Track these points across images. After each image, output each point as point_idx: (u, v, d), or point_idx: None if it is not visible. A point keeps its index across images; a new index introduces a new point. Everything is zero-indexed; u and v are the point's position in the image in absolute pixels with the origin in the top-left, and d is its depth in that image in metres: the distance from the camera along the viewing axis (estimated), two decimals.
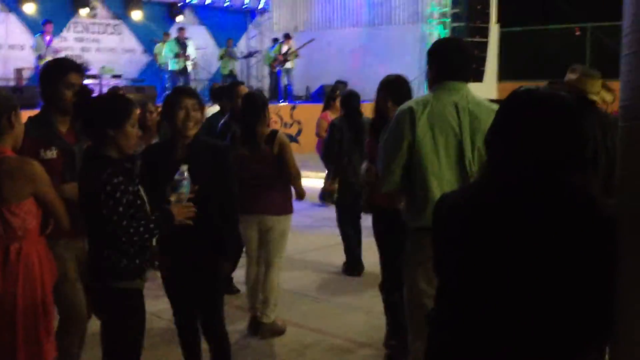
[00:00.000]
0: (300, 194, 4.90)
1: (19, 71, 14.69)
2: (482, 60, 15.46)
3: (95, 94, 3.74)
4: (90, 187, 2.93)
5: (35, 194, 2.94)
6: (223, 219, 3.62)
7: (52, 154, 3.41)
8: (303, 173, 5.04)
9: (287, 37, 17.23)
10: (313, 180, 8.81)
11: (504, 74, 17.82)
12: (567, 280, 1.67)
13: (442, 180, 3.14)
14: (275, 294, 4.77)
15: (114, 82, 14.47)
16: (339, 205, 6.26)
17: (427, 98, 3.26)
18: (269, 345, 4.67)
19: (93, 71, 14.94)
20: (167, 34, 16.56)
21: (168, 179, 3.21)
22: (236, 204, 3.74)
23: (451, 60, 3.28)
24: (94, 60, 16.23)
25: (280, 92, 17.06)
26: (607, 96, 4.06)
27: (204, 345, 3.75)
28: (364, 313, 4.66)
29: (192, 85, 15.61)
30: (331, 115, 8.28)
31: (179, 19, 17.75)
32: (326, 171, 6.57)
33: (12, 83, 14.43)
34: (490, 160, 1.84)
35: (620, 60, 1.60)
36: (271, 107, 5.76)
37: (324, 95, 9.56)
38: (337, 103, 8.88)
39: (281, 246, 4.79)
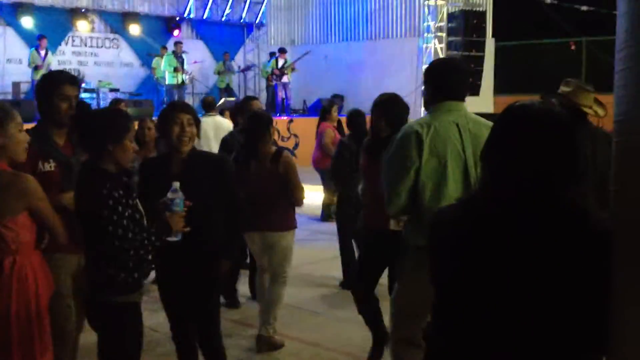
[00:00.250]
0: (298, 204, 4.93)
1: (16, 85, 14.72)
2: (478, 74, 15.53)
3: (93, 108, 3.76)
4: (90, 202, 2.93)
5: (30, 208, 2.93)
6: (229, 228, 3.66)
7: (50, 166, 3.42)
8: None
9: (282, 51, 17.30)
10: (310, 194, 8.81)
11: (500, 88, 17.92)
12: (563, 293, 1.68)
13: (449, 199, 3.16)
14: (277, 308, 4.80)
15: (112, 95, 14.48)
16: (340, 220, 6.27)
17: (429, 119, 3.29)
18: None
19: (90, 85, 15.00)
20: (164, 48, 16.61)
21: (163, 193, 3.23)
22: (240, 208, 3.78)
23: (448, 81, 3.32)
24: (92, 74, 16.31)
25: (277, 105, 17.10)
26: (600, 110, 4.11)
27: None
28: (362, 327, 4.65)
29: (189, 99, 15.64)
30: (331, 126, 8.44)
31: (176, 33, 17.81)
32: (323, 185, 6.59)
33: (9, 97, 14.44)
34: (485, 174, 1.85)
35: (614, 76, 1.61)
36: None
37: (320, 108, 9.57)
38: (333, 113, 8.99)
39: (286, 261, 4.81)
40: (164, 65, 15.92)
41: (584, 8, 17.61)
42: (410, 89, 14.73)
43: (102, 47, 17.24)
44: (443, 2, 16.81)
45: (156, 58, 16.58)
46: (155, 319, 4.63)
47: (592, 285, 1.67)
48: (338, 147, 6.27)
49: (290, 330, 5.08)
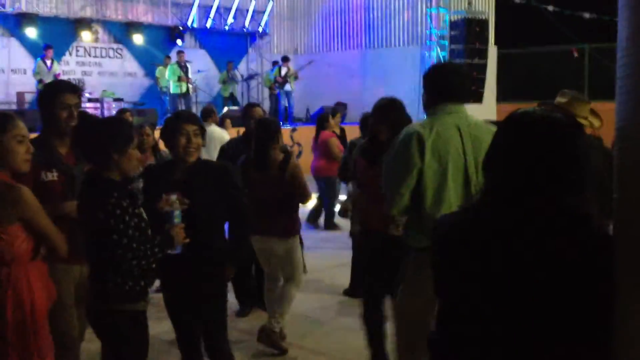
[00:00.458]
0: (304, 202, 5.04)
1: (21, 95, 14.78)
2: (481, 81, 15.55)
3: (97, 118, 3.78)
4: (97, 211, 2.93)
5: (23, 219, 2.88)
6: (235, 235, 3.69)
7: (52, 176, 3.42)
8: None
9: (285, 59, 17.35)
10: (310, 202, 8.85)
11: (502, 95, 17.93)
12: (567, 299, 1.68)
13: (449, 201, 3.19)
14: (287, 306, 4.89)
15: (116, 105, 14.54)
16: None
17: (431, 121, 3.30)
18: None
19: (94, 95, 15.06)
20: (168, 58, 16.67)
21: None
22: (247, 214, 3.79)
23: (449, 83, 3.34)
24: (96, 84, 16.40)
25: (280, 114, 17.13)
26: (595, 121, 4.14)
27: None
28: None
29: (193, 108, 15.69)
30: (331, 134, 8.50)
31: (180, 42, 17.87)
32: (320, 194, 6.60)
33: (14, 107, 14.51)
34: (488, 181, 1.86)
35: (616, 82, 1.62)
36: None
37: (317, 117, 9.60)
38: (332, 121, 9.06)
39: (295, 262, 4.93)
40: (168, 75, 15.98)
41: (587, 15, 17.63)
42: (413, 96, 14.73)
43: (105, 57, 17.31)
44: (445, 10, 16.86)
45: (160, 67, 16.64)
46: (159, 327, 4.62)
47: (595, 292, 1.67)
48: (349, 148, 6.28)
49: (293, 338, 5.07)
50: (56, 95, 3.51)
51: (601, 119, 4.16)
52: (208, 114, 8.79)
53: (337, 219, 8.54)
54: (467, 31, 15.39)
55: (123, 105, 14.80)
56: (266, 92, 18.62)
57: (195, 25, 18.56)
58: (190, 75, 15.91)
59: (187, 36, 18.55)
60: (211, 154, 6.99)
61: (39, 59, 14.43)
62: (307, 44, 21.02)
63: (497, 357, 1.76)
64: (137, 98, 16.94)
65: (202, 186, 3.52)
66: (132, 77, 17.72)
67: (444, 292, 1.95)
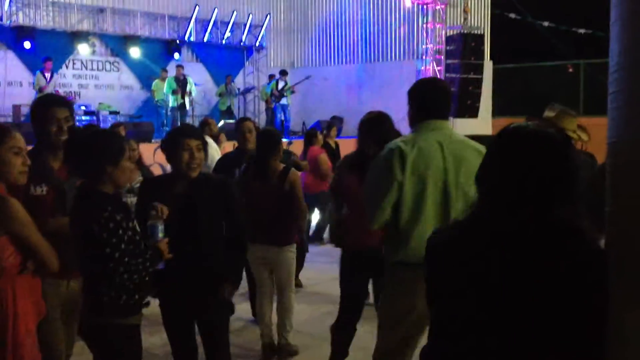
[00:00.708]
0: (301, 231, 5.09)
1: (17, 108, 14.76)
2: (477, 96, 15.61)
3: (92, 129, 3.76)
4: (89, 224, 2.92)
5: (9, 233, 2.83)
6: (234, 251, 3.68)
7: (42, 190, 3.39)
8: None
9: (283, 73, 17.41)
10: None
11: (498, 110, 17.99)
12: (560, 312, 1.69)
13: (426, 219, 3.22)
14: (290, 316, 5.05)
15: (112, 117, 14.56)
16: None
17: (414, 137, 3.33)
18: None
19: (91, 108, 15.06)
20: (165, 71, 16.70)
21: (169, 211, 3.25)
22: (246, 232, 3.81)
23: (432, 100, 3.36)
24: (92, 96, 16.42)
25: (276, 127, 17.14)
26: (583, 135, 4.17)
27: None
28: (360, 349, 4.62)
29: (189, 121, 15.70)
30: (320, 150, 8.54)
31: (177, 56, 17.91)
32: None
33: (9, 119, 14.49)
34: (481, 196, 1.87)
35: (608, 98, 1.63)
36: None
37: (306, 134, 9.63)
38: (320, 137, 9.15)
39: (290, 272, 5.04)
40: (165, 89, 16.00)
41: (582, 31, 17.74)
42: None
43: (102, 70, 17.33)
44: (441, 25, 16.95)
45: (156, 81, 16.67)
46: (151, 340, 4.60)
47: (587, 303, 1.67)
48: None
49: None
50: (46, 108, 3.51)
51: (589, 134, 4.21)
52: (203, 126, 8.82)
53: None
54: (463, 46, 15.47)
55: (119, 118, 14.84)
56: (263, 105, 18.65)
57: (192, 39, 18.61)
58: (188, 89, 15.87)
59: (184, 50, 18.60)
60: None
61: (38, 71, 14.43)
62: (303, 58, 21.10)
63: None
64: (133, 111, 16.97)
65: (204, 200, 3.52)
66: (129, 90, 17.73)
67: (436, 305, 1.95)
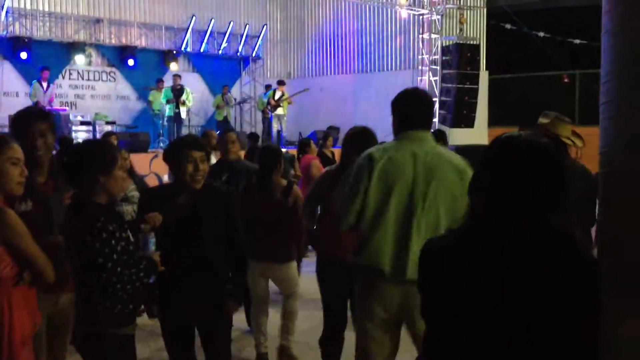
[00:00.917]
0: (300, 255, 5.15)
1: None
2: (473, 106, 15.64)
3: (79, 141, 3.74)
4: (82, 235, 2.91)
5: (6, 244, 2.82)
6: (234, 264, 3.66)
7: (26, 206, 3.31)
8: None
9: (280, 83, 17.44)
10: None
11: (494, 120, 18.03)
12: (554, 320, 1.69)
13: (386, 226, 3.25)
14: (294, 320, 5.10)
15: (108, 128, 14.56)
16: None
17: (390, 146, 3.38)
18: None
19: (87, 118, 15.06)
20: (161, 81, 16.72)
21: (170, 225, 3.26)
22: (245, 249, 3.78)
23: (412, 110, 3.38)
24: (89, 106, 16.44)
25: (272, 137, 17.17)
26: (578, 141, 4.19)
27: None
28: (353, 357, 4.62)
29: (185, 131, 15.70)
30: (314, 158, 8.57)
31: (173, 66, 17.93)
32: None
33: (6, 130, 14.48)
34: (474, 206, 1.87)
35: (599, 108, 1.64)
36: None
37: (299, 143, 9.65)
38: (313, 146, 9.19)
39: (293, 281, 5.10)
40: (162, 99, 16.00)
41: (577, 41, 17.83)
42: None
43: (99, 80, 17.34)
44: (437, 36, 17.01)
45: (153, 91, 16.68)
46: (147, 352, 4.58)
47: (580, 311, 1.68)
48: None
49: None
50: (26, 122, 3.45)
51: (583, 139, 4.23)
52: (203, 137, 8.81)
53: None
54: (459, 56, 15.51)
55: (115, 128, 14.85)
56: (259, 115, 18.68)
57: (189, 49, 18.65)
58: (183, 98, 15.85)
59: (180, 60, 18.61)
60: None
61: (35, 81, 14.44)
62: (300, 68, 21.15)
63: None
64: (129, 121, 16.97)
65: (207, 211, 3.52)
66: (125, 101, 17.74)
67: (430, 314, 1.95)
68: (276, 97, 17.10)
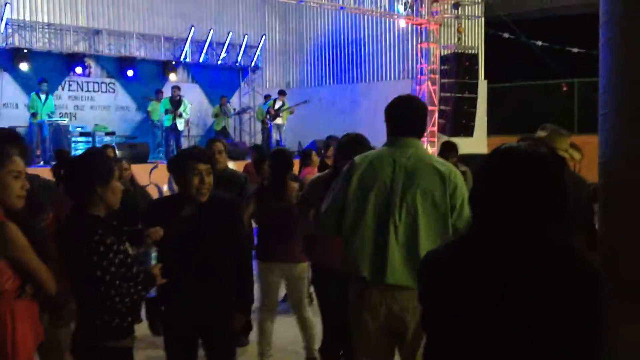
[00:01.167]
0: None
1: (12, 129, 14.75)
2: (472, 115, 15.67)
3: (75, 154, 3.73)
4: (80, 248, 2.91)
5: (8, 257, 2.83)
6: (239, 275, 3.63)
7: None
8: None
9: (281, 93, 17.46)
10: None
11: (493, 129, 18.05)
12: (553, 330, 1.68)
13: (364, 231, 3.27)
14: (313, 328, 5.09)
15: (108, 139, 14.58)
16: None
17: (375, 152, 3.45)
18: None
19: (86, 129, 15.07)
20: (160, 92, 16.75)
21: (176, 236, 3.25)
22: (250, 259, 3.81)
23: (403, 117, 3.40)
24: (88, 118, 16.46)
25: (271, 147, 17.17)
26: (576, 154, 4.19)
27: None
28: None
29: (185, 141, 15.73)
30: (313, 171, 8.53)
31: (172, 77, 17.96)
32: None
33: None
34: (474, 217, 1.87)
35: (598, 118, 1.64)
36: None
37: (301, 154, 9.64)
38: (314, 157, 9.14)
39: (302, 287, 5.12)
40: (160, 109, 16.03)
41: (575, 50, 17.87)
42: None
43: (98, 91, 17.37)
44: (435, 45, 17.06)
45: (152, 102, 16.70)
46: None
47: (579, 322, 1.67)
48: None
49: None
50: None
51: (581, 152, 4.23)
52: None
53: None
54: (458, 65, 15.57)
55: (115, 139, 14.86)
56: (259, 125, 18.70)
57: (188, 60, 18.68)
58: (180, 110, 15.85)
59: (179, 70, 18.65)
60: None
61: (33, 93, 14.45)
62: (299, 78, 21.20)
63: None
64: (129, 132, 17.00)
65: (212, 222, 3.51)
66: (125, 111, 17.77)
67: (431, 324, 1.95)
68: (276, 106, 17.12)
